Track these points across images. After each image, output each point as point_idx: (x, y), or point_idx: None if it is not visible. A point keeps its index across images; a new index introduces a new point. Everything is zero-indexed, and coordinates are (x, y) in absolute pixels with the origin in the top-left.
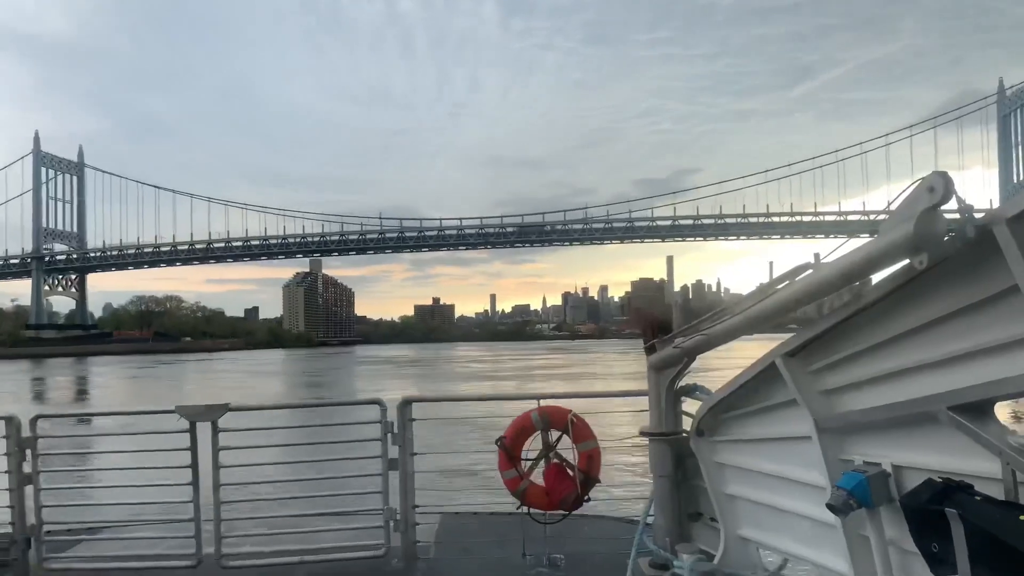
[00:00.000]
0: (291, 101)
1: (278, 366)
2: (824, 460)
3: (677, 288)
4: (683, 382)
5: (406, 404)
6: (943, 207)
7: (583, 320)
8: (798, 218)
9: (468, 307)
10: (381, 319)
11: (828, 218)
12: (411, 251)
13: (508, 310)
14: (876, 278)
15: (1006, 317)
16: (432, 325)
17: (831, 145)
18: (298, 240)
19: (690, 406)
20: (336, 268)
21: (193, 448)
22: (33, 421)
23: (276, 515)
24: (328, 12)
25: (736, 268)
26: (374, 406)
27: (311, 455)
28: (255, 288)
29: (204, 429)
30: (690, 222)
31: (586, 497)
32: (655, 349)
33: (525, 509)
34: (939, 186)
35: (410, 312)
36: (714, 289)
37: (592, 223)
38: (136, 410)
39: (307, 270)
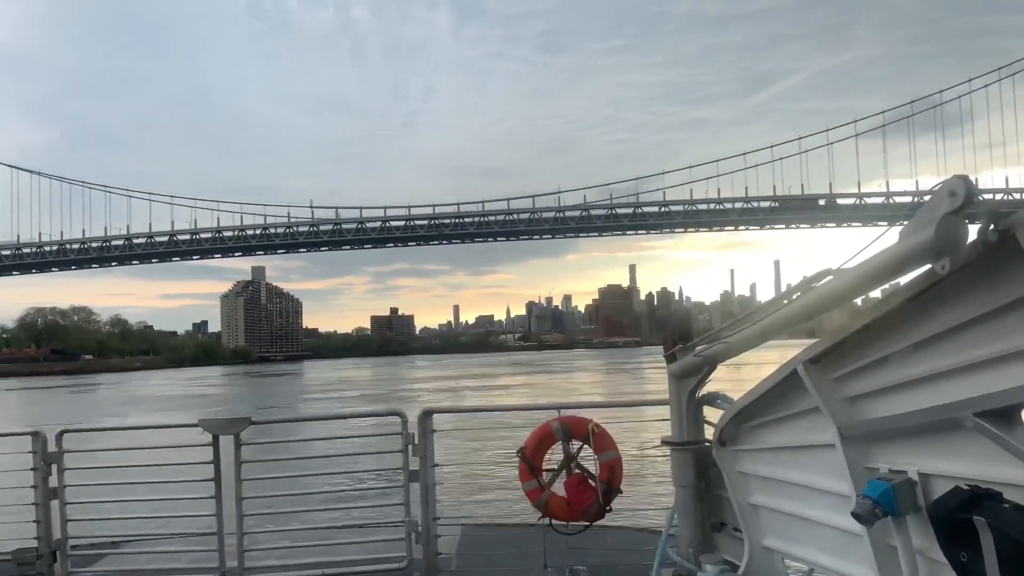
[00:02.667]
0: (244, 109)
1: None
2: (848, 468)
3: (643, 296)
4: (704, 390)
5: (427, 415)
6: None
7: (548, 330)
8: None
9: (431, 319)
10: (335, 331)
11: (844, 201)
12: (352, 248)
13: (472, 321)
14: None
15: None
16: (388, 337)
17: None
18: (214, 236)
19: (712, 415)
20: (295, 282)
21: (216, 461)
22: (59, 436)
23: (298, 528)
24: (277, 18)
25: (696, 277)
26: (395, 417)
27: (333, 467)
28: (213, 303)
29: (227, 442)
30: (681, 208)
31: (608, 507)
32: (675, 357)
33: (547, 520)
34: (960, 190)
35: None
36: (677, 298)
37: (567, 211)
38: (160, 424)
39: (249, 279)
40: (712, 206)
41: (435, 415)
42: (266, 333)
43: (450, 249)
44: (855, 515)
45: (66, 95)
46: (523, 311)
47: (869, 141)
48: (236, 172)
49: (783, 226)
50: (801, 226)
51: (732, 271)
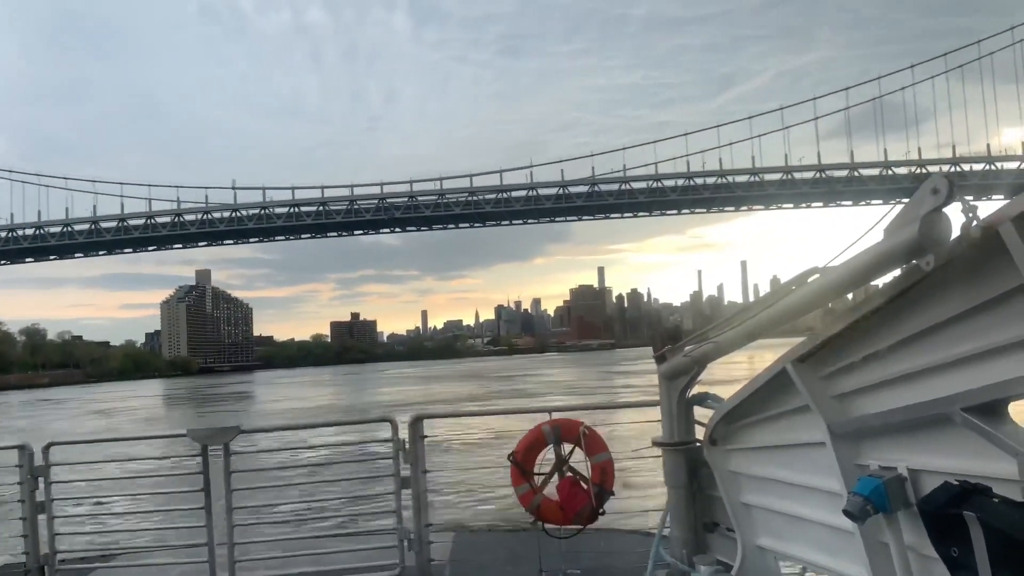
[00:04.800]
0: (198, 115)
1: None
2: (839, 466)
3: (614, 297)
4: (694, 391)
5: (417, 421)
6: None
7: (518, 333)
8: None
9: (399, 325)
10: (292, 339)
11: (900, 170)
12: (287, 238)
13: (440, 326)
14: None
15: (1015, 316)
16: (349, 344)
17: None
18: (118, 225)
19: (703, 415)
20: (259, 289)
21: (205, 472)
22: (45, 449)
23: (289, 537)
24: (231, 21)
25: (661, 279)
26: (385, 424)
27: (323, 475)
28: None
29: (216, 452)
30: (673, 183)
31: (601, 510)
32: (665, 358)
33: (540, 524)
34: (943, 188)
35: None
36: (646, 299)
37: (540, 188)
38: (148, 435)
39: (193, 283)
40: (715, 180)
41: (426, 420)
42: (212, 342)
43: (417, 254)
44: (846, 512)
45: (14, 102)
46: (492, 315)
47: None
48: (192, 181)
49: (791, 205)
50: (812, 205)
51: (699, 272)
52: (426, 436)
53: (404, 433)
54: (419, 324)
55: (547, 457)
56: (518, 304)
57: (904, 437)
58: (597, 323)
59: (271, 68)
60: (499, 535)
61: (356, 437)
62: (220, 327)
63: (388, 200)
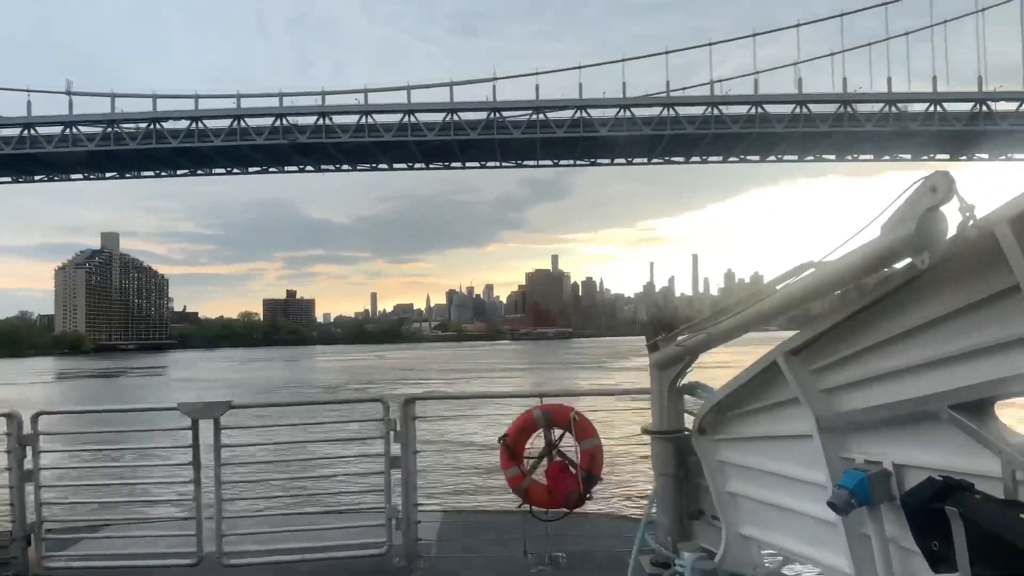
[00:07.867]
0: (130, 81)
1: None
2: (825, 459)
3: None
4: (685, 380)
5: (409, 402)
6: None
7: (470, 319)
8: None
9: (348, 307)
10: (221, 316)
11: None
12: (129, 174)
13: (390, 310)
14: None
15: (1007, 316)
16: (279, 324)
17: None
18: None
19: (693, 404)
20: (203, 264)
21: (195, 445)
22: (34, 418)
23: (278, 513)
24: None
25: (610, 270)
26: (376, 404)
27: (314, 452)
28: None
29: (206, 426)
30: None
31: (588, 495)
32: (658, 347)
33: (527, 507)
34: (941, 186)
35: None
36: (598, 290)
37: (501, 109)
38: (138, 407)
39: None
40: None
41: (418, 401)
42: (118, 316)
43: (369, 235)
44: (831, 504)
45: None
46: (444, 300)
47: None
48: None
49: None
50: (861, 158)
51: (651, 264)
52: (417, 417)
53: (395, 413)
54: (368, 307)
55: (537, 441)
56: (470, 290)
57: (890, 432)
58: (553, 310)
59: (213, 35)
60: (487, 516)
61: (347, 416)
62: (130, 300)
63: (290, 119)
